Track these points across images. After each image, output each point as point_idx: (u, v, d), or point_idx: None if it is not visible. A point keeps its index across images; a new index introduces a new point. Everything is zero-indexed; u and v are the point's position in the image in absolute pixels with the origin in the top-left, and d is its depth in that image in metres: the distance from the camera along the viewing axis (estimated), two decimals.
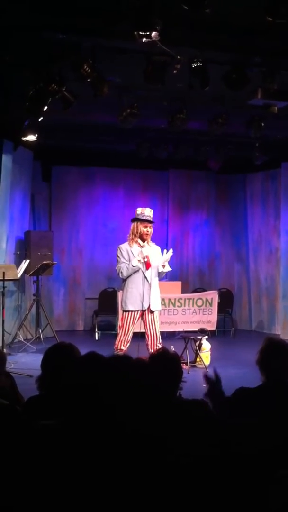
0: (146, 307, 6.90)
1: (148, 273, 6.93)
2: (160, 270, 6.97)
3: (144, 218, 6.96)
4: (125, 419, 2.31)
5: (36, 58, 6.03)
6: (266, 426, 2.34)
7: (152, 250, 7.03)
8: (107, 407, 2.31)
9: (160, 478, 2.17)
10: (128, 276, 6.93)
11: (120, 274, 6.98)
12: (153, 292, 6.95)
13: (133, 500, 2.12)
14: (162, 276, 7.17)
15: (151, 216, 7.04)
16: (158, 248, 7.14)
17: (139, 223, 6.96)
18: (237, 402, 3.24)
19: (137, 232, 6.95)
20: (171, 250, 7.06)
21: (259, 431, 2.20)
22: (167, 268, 6.99)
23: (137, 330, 7.19)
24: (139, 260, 6.83)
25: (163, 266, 6.94)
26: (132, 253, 6.88)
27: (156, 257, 7.01)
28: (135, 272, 6.89)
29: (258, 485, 2.07)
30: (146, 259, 6.87)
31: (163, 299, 9.75)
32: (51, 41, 5.83)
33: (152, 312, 6.95)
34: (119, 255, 6.95)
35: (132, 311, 6.90)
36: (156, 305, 7.00)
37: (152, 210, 7.11)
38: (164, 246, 7.36)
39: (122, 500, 2.12)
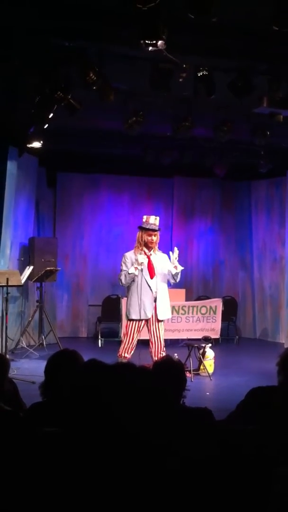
0: (149, 316, 6.87)
1: (152, 282, 6.89)
2: (173, 272, 6.92)
3: (148, 226, 6.94)
4: (128, 427, 2.30)
5: (42, 64, 6.05)
6: (273, 430, 2.32)
7: (158, 258, 6.99)
8: (110, 415, 2.30)
9: (163, 485, 2.16)
10: (131, 285, 6.91)
11: (119, 282, 7.02)
12: (159, 301, 6.92)
13: (135, 507, 2.10)
14: (178, 278, 7.03)
15: (156, 223, 7.00)
16: (165, 256, 7.10)
17: (143, 232, 6.95)
18: (252, 401, 3.23)
19: (142, 241, 6.95)
20: (176, 249, 7.01)
21: (264, 438, 2.19)
22: (179, 268, 6.93)
23: (140, 338, 7.18)
24: (135, 268, 6.82)
25: (175, 267, 6.91)
26: (135, 262, 6.87)
27: (164, 265, 6.97)
28: (137, 281, 6.85)
29: (261, 492, 2.05)
30: (141, 266, 6.83)
31: None
32: (58, 48, 5.85)
33: (158, 321, 6.93)
34: (122, 263, 6.96)
35: (135, 320, 6.88)
36: (163, 314, 6.97)
37: (157, 217, 7.07)
38: (168, 253, 7.33)
39: (124, 507, 2.10)
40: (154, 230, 6.95)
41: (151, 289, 6.88)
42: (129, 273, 6.83)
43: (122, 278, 6.92)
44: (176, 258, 6.93)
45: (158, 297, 6.91)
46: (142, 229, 6.97)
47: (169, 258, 7.02)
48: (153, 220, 6.98)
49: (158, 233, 7.03)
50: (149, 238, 6.92)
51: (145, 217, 7.05)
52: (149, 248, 6.96)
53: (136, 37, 4.95)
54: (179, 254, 7.03)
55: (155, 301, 6.90)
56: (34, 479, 2.26)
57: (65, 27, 5.55)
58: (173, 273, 6.92)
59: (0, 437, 2.70)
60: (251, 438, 2.24)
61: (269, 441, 2.23)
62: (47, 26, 5.50)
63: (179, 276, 7.01)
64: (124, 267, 6.91)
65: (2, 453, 2.59)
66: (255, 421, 2.95)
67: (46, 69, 6.11)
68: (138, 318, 6.85)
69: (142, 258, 6.84)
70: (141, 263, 6.81)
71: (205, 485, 2.14)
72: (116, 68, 6.30)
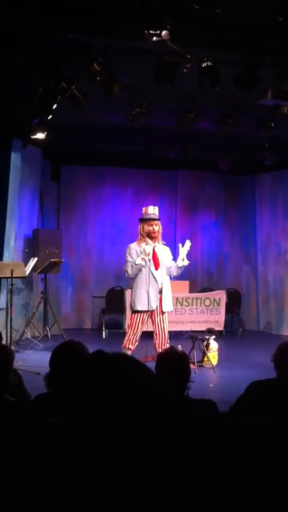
0: (154, 307, 6.89)
1: (157, 273, 6.90)
2: (180, 265, 6.92)
3: (147, 217, 6.98)
4: (131, 419, 2.31)
5: (47, 58, 6.05)
6: (279, 424, 2.34)
7: (162, 250, 7.00)
8: (112, 406, 2.31)
9: (166, 480, 2.17)
10: (136, 276, 6.94)
11: (126, 273, 7.02)
12: (164, 292, 6.93)
13: (138, 503, 2.11)
14: (180, 271, 7.04)
15: (155, 213, 7.00)
16: (167, 249, 7.12)
17: (144, 223, 6.99)
18: (252, 395, 3.27)
19: (144, 232, 6.98)
20: (188, 242, 7.00)
21: (270, 431, 2.20)
22: (187, 262, 6.93)
23: (145, 329, 7.20)
24: (142, 258, 6.83)
25: (183, 260, 6.90)
26: (141, 253, 6.90)
27: (167, 257, 6.99)
28: (143, 272, 6.88)
29: (268, 486, 2.06)
30: (148, 257, 6.85)
31: None
32: (62, 41, 5.83)
33: (163, 312, 6.95)
34: (127, 254, 6.97)
35: (140, 311, 6.90)
36: (167, 306, 6.98)
37: (155, 207, 7.07)
38: (172, 246, 7.35)
39: (126, 503, 2.11)
40: (154, 219, 6.97)
41: (156, 281, 6.90)
42: (136, 264, 6.84)
43: (129, 269, 6.91)
44: (186, 251, 6.93)
45: (163, 289, 6.93)
46: (143, 220, 7.01)
47: (173, 251, 7.03)
48: (152, 210, 7.00)
49: (159, 222, 7.03)
50: (150, 228, 6.94)
51: (144, 208, 7.10)
52: (153, 239, 6.97)
53: (140, 30, 4.93)
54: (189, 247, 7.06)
55: (160, 292, 6.92)
56: (37, 470, 2.28)
57: (70, 21, 5.54)
58: (179, 266, 6.92)
59: (5, 428, 2.72)
60: (257, 433, 2.25)
61: (276, 436, 2.24)
62: (51, 21, 5.49)
63: (182, 270, 7.03)
64: (129, 258, 6.91)
65: (7, 444, 2.62)
66: (256, 414, 2.97)
67: (51, 63, 6.11)
68: (143, 309, 6.87)
69: (149, 248, 6.86)
70: (148, 254, 6.83)
71: (211, 480, 2.14)
72: (120, 61, 6.28)
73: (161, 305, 6.92)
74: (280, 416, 2.88)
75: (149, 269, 6.88)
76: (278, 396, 3.20)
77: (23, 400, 3.37)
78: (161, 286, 6.92)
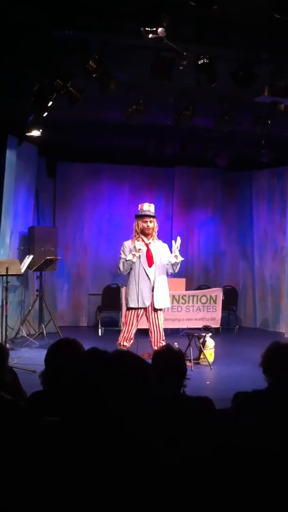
0: (147, 304, 6.88)
1: (150, 271, 6.89)
2: (173, 262, 6.90)
3: (142, 213, 6.97)
4: (127, 417, 2.30)
5: (43, 55, 6.02)
6: (272, 426, 2.33)
7: (157, 247, 6.99)
8: (109, 405, 2.30)
9: (162, 479, 2.15)
10: (129, 273, 6.94)
11: (118, 270, 7.05)
12: (157, 290, 6.91)
13: (134, 502, 2.10)
14: (177, 269, 7.01)
15: (151, 210, 7.00)
16: (165, 246, 7.08)
17: (139, 219, 6.98)
18: (239, 407, 3.19)
19: (138, 229, 6.97)
20: (178, 238, 6.98)
21: (266, 431, 2.18)
22: (180, 258, 6.91)
23: (141, 327, 7.19)
24: (133, 255, 6.83)
25: (176, 257, 6.88)
26: (134, 249, 6.88)
27: (163, 255, 6.96)
28: (135, 269, 6.86)
29: (264, 487, 2.04)
30: (139, 253, 6.82)
31: None
32: (59, 38, 5.81)
33: (156, 310, 6.93)
34: (121, 251, 7.00)
35: (133, 308, 6.90)
36: (160, 303, 6.96)
37: (151, 204, 7.06)
38: (168, 243, 7.32)
39: (122, 501, 2.10)
40: (148, 216, 6.95)
41: (149, 278, 6.89)
42: (126, 260, 6.86)
43: (121, 266, 6.95)
44: (177, 248, 6.91)
45: (156, 286, 6.91)
46: (138, 216, 7.00)
47: (170, 248, 7.01)
48: (147, 207, 7.00)
49: (154, 220, 7.02)
50: (145, 224, 6.94)
51: (139, 205, 7.10)
52: (147, 236, 6.96)
53: (138, 26, 4.92)
54: (180, 244, 7.01)
55: (152, 289, 6.90)
56: (33, 468, 2.26)
57: (66, 18, 5.51)
58: (173, 263, 6.91)
59: (1, 426, 2.71)
60: (253, 432, 2.23)
61: (273, 434, 2.22)
62: (48, 17, 5.46)
63: (178, 266, 6.98)
64: (123, 255, 6.95)
65: (2, 442, 2.60)
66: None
67: (47, 60, 6.08)
68: (135, 306, 6.87)
69: (140, 245, 6.85)
70: (139, 250, 6.82)
71: (207, 478, 2.13)
72: (117, 58, 6.26)
73: (153, 302, 6.90)
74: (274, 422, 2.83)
75: (142, 266, 6.86)
76: (268, 412, 2.88)
77: (19, 398, 3.35)
78: (154, 283, 6.90)
